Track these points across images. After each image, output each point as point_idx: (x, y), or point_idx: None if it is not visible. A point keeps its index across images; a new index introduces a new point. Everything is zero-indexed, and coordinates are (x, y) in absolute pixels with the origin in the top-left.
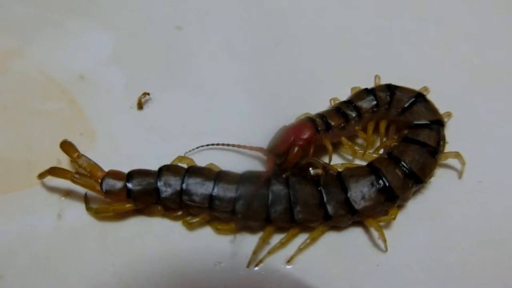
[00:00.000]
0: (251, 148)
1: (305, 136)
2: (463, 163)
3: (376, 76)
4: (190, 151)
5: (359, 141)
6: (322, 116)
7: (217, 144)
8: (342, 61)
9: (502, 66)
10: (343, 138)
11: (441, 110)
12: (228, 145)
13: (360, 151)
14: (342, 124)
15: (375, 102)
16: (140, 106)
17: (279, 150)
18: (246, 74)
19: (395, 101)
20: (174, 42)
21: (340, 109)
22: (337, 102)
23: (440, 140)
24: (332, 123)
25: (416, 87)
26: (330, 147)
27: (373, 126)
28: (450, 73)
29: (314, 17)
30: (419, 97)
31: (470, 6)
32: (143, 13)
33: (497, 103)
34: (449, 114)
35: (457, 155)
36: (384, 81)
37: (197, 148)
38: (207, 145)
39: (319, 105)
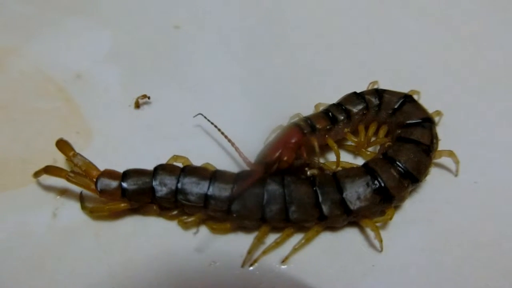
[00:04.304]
0: (241, 155)
1: (293, 139)
2: (456, 161)
3: (371, 82)
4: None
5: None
6: (307, 119)
7: (218, 130)
8: (340, 61)
9: (500, 66)
10: (329, 141)
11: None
12: (226, 137)
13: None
14: (328, 126)
15: (364, 105)
16: (137, 105)
17: (269, 158)
18: (244, 73)
19: (384, 103)
20: (172, 41)
21: (328, 112)
22: (324, 106)
23: (433, 137)
24: (317, 126)
25: (413, 87)
26: (317, 149)
27: (363, 128)
28: (446, 74)
29: (312, 18)
30: (407, 98)
31: (469, 7)
32: (141, 12)
33: (494, 104)
34: (438, 113)
35: (450, 153)
36: (382, 81)
37: (201, 115)
38: (209, 121)
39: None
